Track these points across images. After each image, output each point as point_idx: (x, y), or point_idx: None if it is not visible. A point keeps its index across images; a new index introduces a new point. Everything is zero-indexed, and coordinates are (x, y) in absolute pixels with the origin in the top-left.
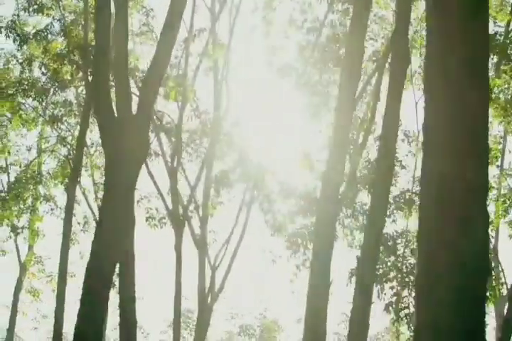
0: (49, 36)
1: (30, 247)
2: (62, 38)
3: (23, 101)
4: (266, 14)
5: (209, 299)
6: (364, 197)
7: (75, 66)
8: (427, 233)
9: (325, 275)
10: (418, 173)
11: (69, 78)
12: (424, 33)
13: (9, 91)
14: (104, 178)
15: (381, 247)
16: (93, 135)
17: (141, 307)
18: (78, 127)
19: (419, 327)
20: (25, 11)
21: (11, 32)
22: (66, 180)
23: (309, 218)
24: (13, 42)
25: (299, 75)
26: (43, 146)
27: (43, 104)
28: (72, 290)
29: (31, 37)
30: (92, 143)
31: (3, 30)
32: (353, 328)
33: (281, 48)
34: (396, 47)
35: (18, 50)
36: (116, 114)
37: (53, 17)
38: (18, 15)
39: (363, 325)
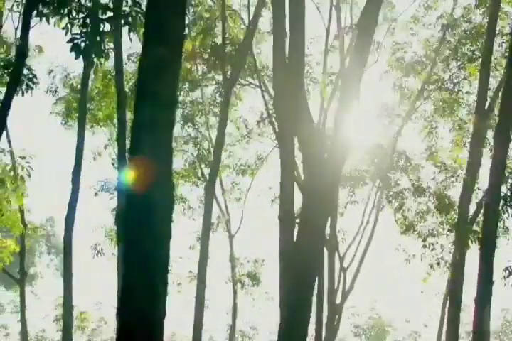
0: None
1: None
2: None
3: None
4: (387, 11)
5: (338, 299)
6: None
7: (206, 65)
8: None
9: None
10: None
11: (199, 77)
12: None
13: None
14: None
15: None
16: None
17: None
18: (205, 126)
19: None
20: None
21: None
22: (195, 180)
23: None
24: None
25: (427, 72)
26: None
27: None
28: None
29: None
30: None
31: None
32: None
33: (407, 45)
34: None
35: None
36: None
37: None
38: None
39: None
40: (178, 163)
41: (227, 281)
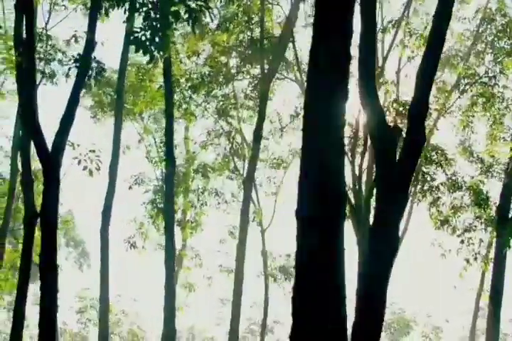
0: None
1: (185, 241)
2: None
3: (187, 94)
4: (420, 5)
5: None
6: None
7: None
8: None
9: None
10: None
11: (234, 71)
12: None
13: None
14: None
15: None
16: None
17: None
18: (235, 120)
19: None
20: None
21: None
22: (229, 174)
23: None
24: (200, 33)
25: (462, 66)
26: (196, 139)
27: (207, 97)
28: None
29: (214, 28)
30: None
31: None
32: None
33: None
34: None
35: (182, 44)
36: None
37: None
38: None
39: None
40: (211, 156)
41: (259, 275)
